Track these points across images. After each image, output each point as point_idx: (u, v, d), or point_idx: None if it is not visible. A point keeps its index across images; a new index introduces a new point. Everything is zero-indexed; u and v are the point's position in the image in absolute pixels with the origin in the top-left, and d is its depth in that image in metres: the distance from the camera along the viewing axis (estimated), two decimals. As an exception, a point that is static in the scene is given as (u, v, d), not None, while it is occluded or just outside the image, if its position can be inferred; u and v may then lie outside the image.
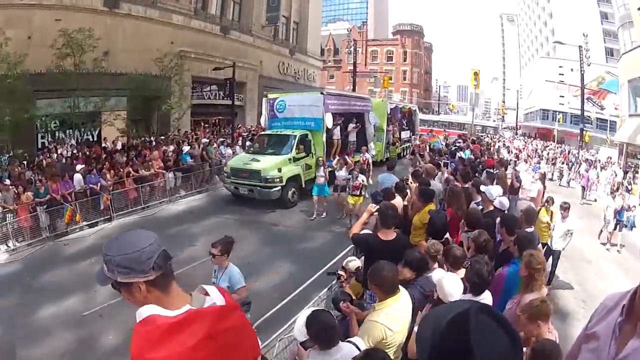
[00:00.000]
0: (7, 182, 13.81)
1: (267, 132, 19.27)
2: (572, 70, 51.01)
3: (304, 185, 16.85)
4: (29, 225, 13.31)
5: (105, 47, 21.58)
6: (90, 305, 8.90)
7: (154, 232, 1.88)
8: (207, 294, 1.97)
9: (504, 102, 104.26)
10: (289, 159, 16.40)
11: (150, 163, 17.85)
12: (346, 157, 16.50)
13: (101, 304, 8.77)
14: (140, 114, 24.24)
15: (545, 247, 9.75)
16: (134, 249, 1.75)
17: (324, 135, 17.96)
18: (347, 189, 13.93)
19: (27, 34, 19.83)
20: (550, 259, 9.86)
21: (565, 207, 10.28)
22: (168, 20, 26.58)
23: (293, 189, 16.45)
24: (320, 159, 15.83)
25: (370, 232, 5.86)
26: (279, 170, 15.76)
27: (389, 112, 25.25)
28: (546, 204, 10.68)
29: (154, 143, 21.81)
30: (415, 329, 3.35)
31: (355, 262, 6.06)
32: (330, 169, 15.66)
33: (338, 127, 19.53)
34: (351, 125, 20.97)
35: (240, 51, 32.61)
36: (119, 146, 20.95)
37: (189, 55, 27.52)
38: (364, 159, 17.77)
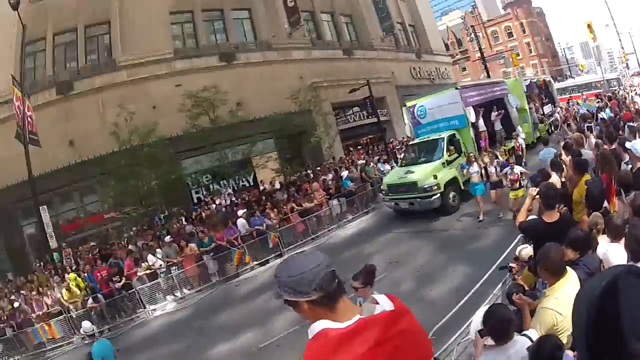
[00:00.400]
0: (168, 238, 14.98)
1: (415, 140, 18.53)
2: None
3: (463, 187, 15.68)
4: (196, 274, 14.21)
5: (236, 98, 22.15)
6: (267, 337, 9.20)
7: (325, 254, 1.88)
8: (377, 302, 1.93)
9: (622, 47, 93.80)
10: (443, 164, 15.56)
11: (312, 195, 18.03)
12: (493, 151, 15.48)
13: (278, 334, 9.04)
14: (290, 151, 24.58)
15: None
16: (299, 271, 1.78)
17: (471, 130, 17.04)
18: (506, 184, 12.29)
19: (151, 105, 21.73)
20: None
21: None
22: (289, 58, 27.44)
23: (453, 193, 15.51)
24: (471, 154, 14.49)
25: (536, 217, 5.72)
26: (435, 177, 14.89)
27: (526, 90, 23.61)
28: None
29: (311, 175, 22.00)
30: None
31: (527, 250, 5.80)
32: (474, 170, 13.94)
33: (481, 119, 18.33)
34: (494, 114, 19.63)
35: (369, 68, 32.25)
36: (277, 185, 21.53)
37: (322, 85, 28.11)
38: (518, 145, 16.76)
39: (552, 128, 24.56)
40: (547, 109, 26.79)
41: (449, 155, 15.85)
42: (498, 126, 19.55)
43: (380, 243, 14.06)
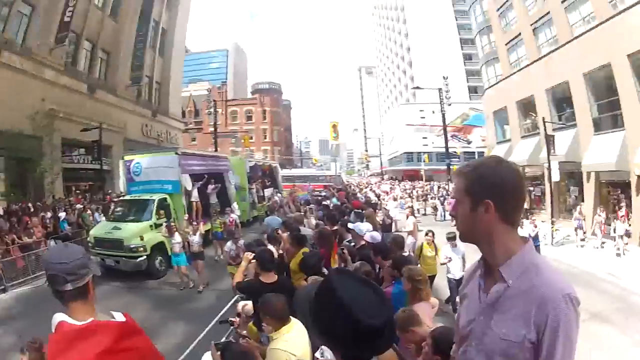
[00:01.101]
0: None
1: (127, 197, 18.05)
2: (433, 112, 54.83)
3: (170, 253, 14.76)
4: None
5: None
6: None
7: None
8: (112, 316, 2.16)
9: (366, 150, 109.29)
10: (151, 226, 15.31)
11: (32, 230, 16.66)
12: (196, 221, 15.37)
13: None
14: (17, 176, 22.60)
15: (447, 279, 10.48)
16: (74, 257, 2.05)
17: (184, 198, 17.30)
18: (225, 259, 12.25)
19: None
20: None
21: (451, 237, 10.31)
22: (40, 74, 24.81)
23: (160, 257, 15.13)
24: (173, 225, 14.46)
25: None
26: (142, 238, 14.60)
27: (248, 171, 25.04)
28: (427, 237, 10.83)
29: (32, 209, 19.90)
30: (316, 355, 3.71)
31: (249, 306, 5.93)
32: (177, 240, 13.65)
33: (196, 189, 18.51)
34: (210, 187, 19.90)
35: (106, 112, 31.23)
36: (0, 211, 18.80)
37: (58, 115, 25.60)
38: (231, 220, 17.04)
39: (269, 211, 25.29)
40: (268, 192, 28.38)
41: (157, 219, 15.63)
42: (214, 199, 19.82)
43: (97, 294, 13.01)
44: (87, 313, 2.01)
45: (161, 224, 15.34)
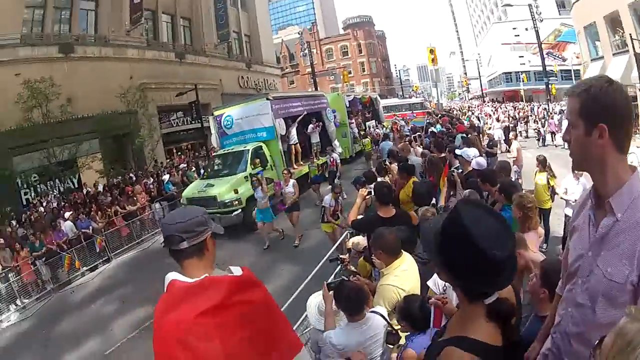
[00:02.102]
0: (1, 240, 13.50)
1: (219, 152, 17.24)
2: (526, 29, 49.17)
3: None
4: (33, 280, 13.17)
5: (67, 93, 20.97)
6: (110, 343, 8.83)
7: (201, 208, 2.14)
8: (230, 272, 2.06)
9: (465, 73, 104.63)
10: (245, 177, 14.13)
11: (135, 198, 17.50)
12: (289, 170, 13.93)
13: (120, 340, 8.84)
14: (115, 152, 23.86)
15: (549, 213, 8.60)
16: (190, 216, 2.03)
17: (280, 143, 16.12)
18: (324, 215, 9.74)
19: None
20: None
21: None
22: (123, 56, 26.33)
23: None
24: (255, 178, 12.51)
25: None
26: (236, 191, 13.61)
27: (347, 105, 23.44)
28: (539, 165, 8.91)
29: (134, 178, 21.32)
30: (429, 284, 3.76)
31: (362, 240, 5.76)
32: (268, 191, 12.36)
33: (294, 131, 17.49)
34: (310, 126, 18.73)
35: (198, 73, 31.59)
36: (100, 188, 20.32)
37: (150, 86, 26.83)
38: (332, 160, 16.28)
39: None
40: (370, 124, 27.04)
41: (253, 169, 14.57)
42: (315, 139, 18.73)
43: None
44: (202, 270, 1.97)
45: (257, 173, 14.20)
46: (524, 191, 5.69)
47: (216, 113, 17.65)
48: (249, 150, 15.11)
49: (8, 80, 19.59)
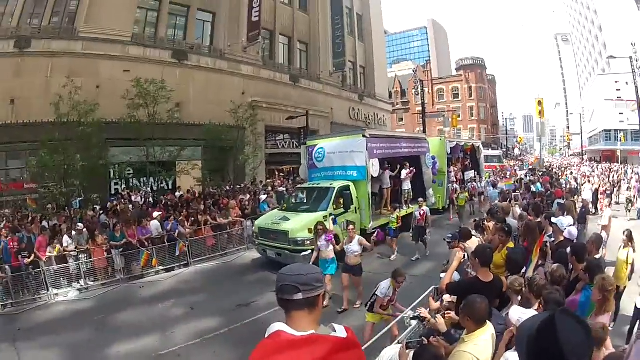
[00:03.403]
0: (80, 225, 13.68)
1: (303, 185, 16.06)
2: (627, 83, 47.25)
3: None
4: (104, 267, 13.20)
5: (177, 98, 21.34)
6: (167, 345, 8.47)
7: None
8: (334, 330, 2.01)
9: (568, 127, 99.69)
10: (325, 217, 12.45)
11: (228, 211, 16.97)
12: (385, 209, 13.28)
13: (179, 344, 8.44)
14: (216, 164, 23.37)
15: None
16: (306, 272, 2.08)
17: (369, 185, 14.62)
18: (373, 304, 7.26)
19: (96, 84, 20.17)
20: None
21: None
22: (237, 71, 26.86)
23: None
24: (320, 227, 10.34)
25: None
26: (310, 231, 11.75)
27: (449, 152, 21.52)
28: (626, 240, 8.49)
29: (231, 192, 21.04)
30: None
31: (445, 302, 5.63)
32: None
33: (387, 174, 16.19)
34: (404, 172, 16.97)
35: (311, 99, 31.72)
36: (195, 195, 20.56)
37: (261, 105, 26.78)
38: (422, 213, 13.77)
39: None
40: (469, 175, 24.87)
41: (334, 209, 13.23)
42: (407, 186, 17.07)
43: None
44: (309, 325, 1.97)
45: (338, 215, 13.00)
46: (605, 265, 5.89)
47: (309, 143, 16.67)
48: (334, 188, 13.77)
49: (117, 75, 20.53)
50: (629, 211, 19.92)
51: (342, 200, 13.70)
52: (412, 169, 17.22)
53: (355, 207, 14.05)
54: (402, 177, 17.02)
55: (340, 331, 2.01)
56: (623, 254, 8.25)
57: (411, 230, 14.25)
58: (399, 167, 17.09)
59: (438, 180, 20.03)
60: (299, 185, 17.27)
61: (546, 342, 1.61)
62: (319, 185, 14.64)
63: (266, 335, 1.92)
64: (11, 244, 12.48)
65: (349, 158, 14.69)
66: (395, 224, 13.88)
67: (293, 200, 15.15)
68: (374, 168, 14.61)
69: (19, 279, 12.01)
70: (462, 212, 18.46)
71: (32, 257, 12.34)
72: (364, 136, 14.58)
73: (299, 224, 12.65)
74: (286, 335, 1.87)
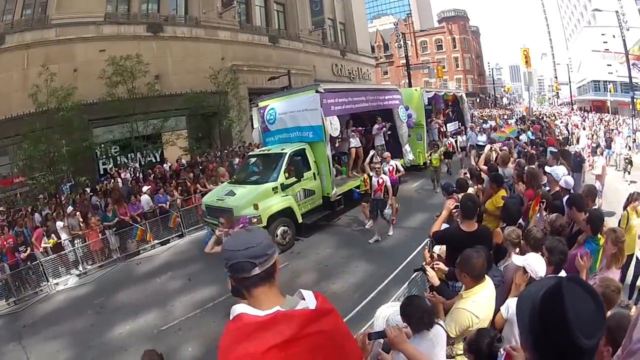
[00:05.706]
0: (70, 208, 13.46)
1: (254, 152, 14.35)
2: (613, 37, 44.68)
3: (300, 220, 11.61)
4: (99, 248, 12.96)
5: (155, 71, 20.93)
6: (168, 320, 8.43)
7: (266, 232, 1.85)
8: (302, 298, 1.84)
9: (555, 77, 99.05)
10: (274, 188, 11.18)
11: (217, 177, 15.97)
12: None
13: (179, 318, 8.40)
14: (201, 131, 23.32)
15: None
16: (251, 244, 1.80)
17: (328, 146, 12.41)
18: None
19: (73, 68, 19.86)
20: None
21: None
22: (215, 37, 25.71)
23: (284, 228, 11.21)
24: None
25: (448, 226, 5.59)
26: (256, 207, 10.58)
27: (427, 103, 19.46)
28: (633, 202, 7.25)
29: (217, 158, 20.60)
30: (502, 309, 3.63)
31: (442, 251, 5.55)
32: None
33: (355, 132, 14.53)
34: (375, 127, 15.27)
35: (292, 58, 30.61)
36: (184, 163, 20.10)
37: (242, 69, 26.10)
38: (380, 182, 11.06)
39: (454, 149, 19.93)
40: (452, 126, 23.13)
41: (286, 178, 11.44)
42: (379, 141, 15.35)
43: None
44: (272, 300, 1.80)
45: (290, 184, 11.43)
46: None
47: (261, 104, 14.30)
48: (286, 154, 11.80)
49: (92, 56, 20.17)
50: (629, 172, 17.10)
51: (293, 168, 11.84)
52: (384, 123, 15.41)
53: (314, 173, 12.15)
54: (373, 132, 15.27)
55: (309, 298, 1.84)
56: (634, 219, 7.04)
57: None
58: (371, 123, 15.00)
59: (416, 134, 17.98)
60: (250, 153, 15.29)
61: (551, 315, 1.43)
62: (269, 151, 12.73)
63: (231, 318, 1.74)
64: (5, 242, 12.43)
65: (302, 118, 12.61)
66: (364, 184, 11.76)
67: (244, 170, 13.23)
68: (333, 126, 12.39)
69: (18, 275, 11.99)
70: (436, 176, 15.69)
71: (27, 251, 12.35)
72: (317, 91, 12.28)
73: (244, 200, 10.84)
74: (249, 317, 1.71)
